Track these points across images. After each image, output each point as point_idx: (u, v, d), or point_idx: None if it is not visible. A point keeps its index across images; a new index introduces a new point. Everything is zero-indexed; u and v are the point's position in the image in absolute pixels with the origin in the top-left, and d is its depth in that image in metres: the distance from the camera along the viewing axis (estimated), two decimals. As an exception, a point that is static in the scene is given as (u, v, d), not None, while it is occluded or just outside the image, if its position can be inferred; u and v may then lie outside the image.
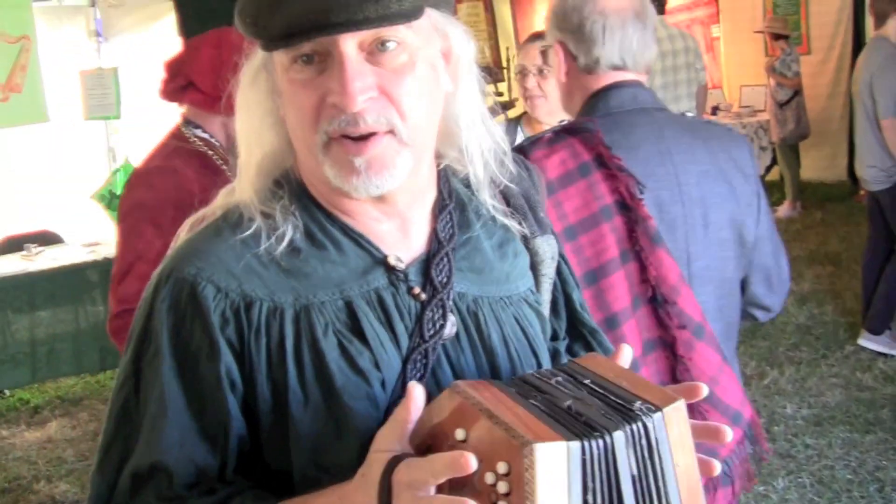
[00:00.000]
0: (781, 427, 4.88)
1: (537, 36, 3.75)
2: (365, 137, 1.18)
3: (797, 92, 9.30)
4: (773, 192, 10.32)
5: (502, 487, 1.01)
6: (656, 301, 1.99)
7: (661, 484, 1.10)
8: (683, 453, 1.12)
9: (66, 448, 5.30)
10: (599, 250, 1.97)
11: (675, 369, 2.01)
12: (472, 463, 0.98)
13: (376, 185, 1.20)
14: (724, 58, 10.76)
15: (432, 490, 1.02)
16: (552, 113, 3.59)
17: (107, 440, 1.26)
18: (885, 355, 5.69)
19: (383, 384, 1.22)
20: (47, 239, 6.46)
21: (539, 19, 8.83)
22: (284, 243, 1.24)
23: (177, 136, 2.84)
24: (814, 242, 8.53)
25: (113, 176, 7.35)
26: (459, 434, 1.05)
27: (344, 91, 1.14)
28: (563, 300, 1.53)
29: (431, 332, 1.27)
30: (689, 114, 7.19)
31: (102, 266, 5.85)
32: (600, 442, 1.04)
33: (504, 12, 8.83)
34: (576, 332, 1.55)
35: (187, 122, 2.85)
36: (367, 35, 1.15)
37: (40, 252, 6.05)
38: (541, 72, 3.59)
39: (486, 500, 1.02)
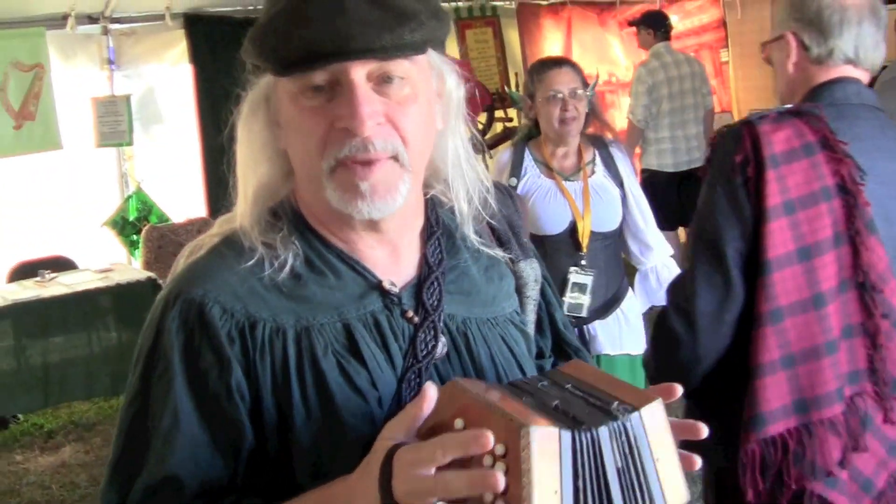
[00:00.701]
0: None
1: (563, 61, 3.84)
2: (370, 162, 1.24)
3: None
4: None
5: (500, 468, 1.05)
6: (864, 287, 2.04)
7: (642, 478, 1.16)
8: (663, 449, 1.19)
9: (79, 473, 5.32)
10: (815, 228, 2.02)
11: (873, 358, 2.05)
12: (491, 439, 1.03)
13: (379, 208, 1.28)
14: (733, 82, 10.77)
15: (433, 471, 1.06)
16: (577, 135, 3.70)
17: (116, 456, 1.31)
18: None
19: (380, 402, 1.29)
20: (60, 265, 6.49)
21: (547, 46, 8.90)
22: (285, 270, 1.31)
23: None
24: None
25: (125, 202, 7.41)
26: (458, 423, 1.11)
27: (355, 115, 1.21)
28: (547, 320, 1.61)
29: (424, 352, 1.34)
30: (695, 140, 7.24)
31: (115, 291, 5.90)
32: (588, 434, 1.10)
33: (513, 38, 8.88)
34: (561, 351, 1.63)
35: None
36: (374, 67, 1.24)
37: (53, 278, 6.08)
38: (574, 94, 3.68)
39: None
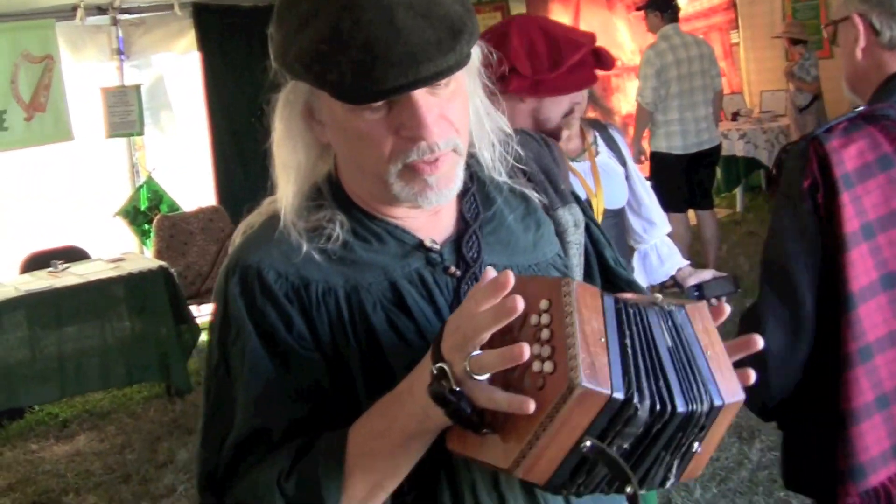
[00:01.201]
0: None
1: None
2: (436, 160, 1.31)
3: (816, 97, 9.27)
4: (795, 197, 10.29)
5: (545, 319, 1.11)
6: None
7: (694, 364, 1.20)
8: (712, 346, 1.24)
9: (93, 461, 5.37)
10: None
11: None
12: (519, 304, 1.08)
13: (445, 195, 1.36)
14: (743, 63, 10.73)
15: (479, 350, 1.12)
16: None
17: (207, 419, 1.39)
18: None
19: None
20: (73, 255, 6.53)
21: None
22: (332, 240, 1.38)
23: None
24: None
25: (136, 192, 7.45)
26: (521, 304, 1.11)
27: (422, 125, 1.27)
28: (595, 259, 1.69)
29: None
30: (704, 122, 7.22)
31: (127, 281, 5.94)
32: (634, 309, 1.16)
33: (521, 23, 8.94)
34: (613, 288, 1.67)
35: None
36: (431, 88, 1.28)
37: (66, 268, 6.12)
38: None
39: (530, 339, 1.11)
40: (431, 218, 1.45)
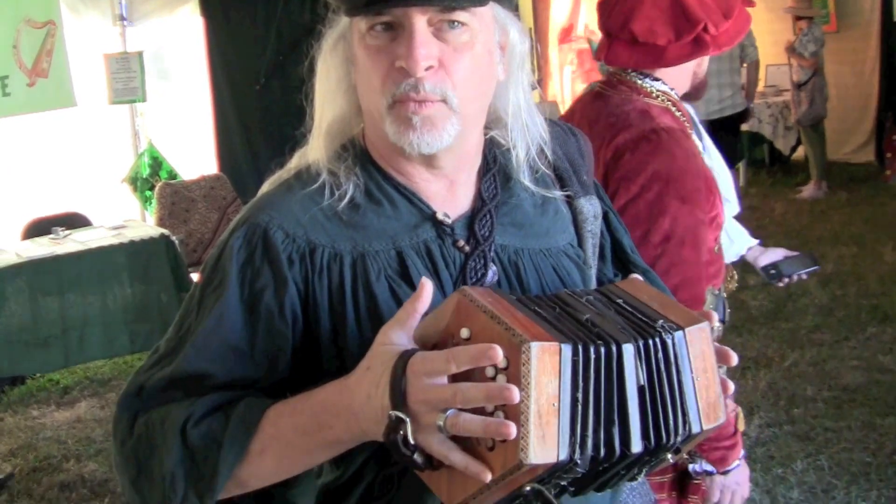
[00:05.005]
0: (801, 409, 4.90)
1: None
2: (422, 101, 1.32)
3: (815, 73, 9.24)
4: (799, 172, 10.27)
5: (501, 379, 1.11)
6: None
7: (677, 396, 1.21)
8: (704, 370, 1.24)
9: (94, 428, 5.40)
10: None
11: None
12: (500, 353, 1.10)
13: (427, 142, 1.34)
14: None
15: (445, 380, 1.13)
16: None
17: (164, 351, 1.41)
18: (906, 337, 5.68)
19: None
20: (74, 221, 6.52)
21: (556, 5, 8.83)
22: (346, 199, 1.40)
23: (635, 89, 2.39)
24: (838, 223, 8.50)
25: (139, 159, 7.44)
26: (464, 333, 1.17)
27: (411, 56, 1.29)
28: (610, 245, 1.69)
29: (474, 280, 1.42)
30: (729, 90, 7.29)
31: (129, 249, 5.93)
32: (602, 349, 1.15)
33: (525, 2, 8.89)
34: (629, 274, 1.68)
35: (643, 74, 2.40)
36: (435, 14, 1.30)
37: (68, 235, 6.12)
38: None
39: None
40: (448, 191, 1.47)
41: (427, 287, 1.21)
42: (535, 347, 1.10)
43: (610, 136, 2.27)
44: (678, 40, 2.30)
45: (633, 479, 1.28)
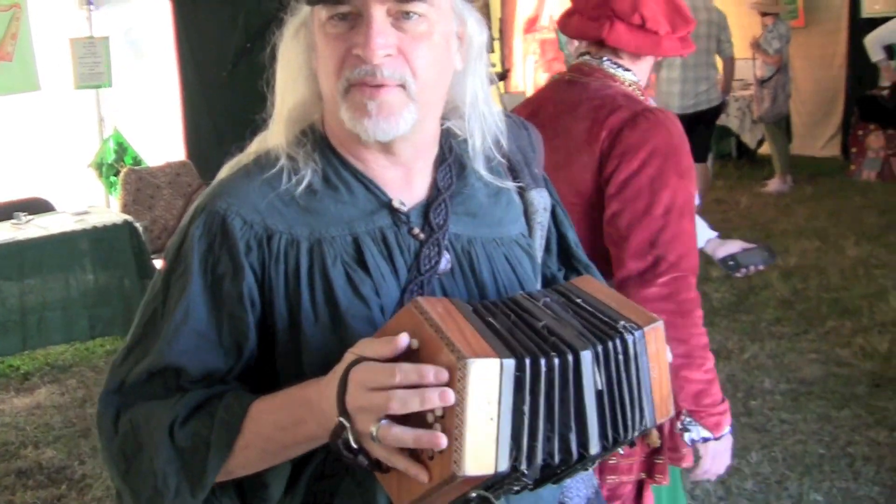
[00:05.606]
0: (759, 401, 4.94)
1: None
2: (379, 86, 1.34)
3: (779, 70, 9.29)
4: (765, 165, 10.35)
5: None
6: None
7: (635, 393, 1.27)
8: (659, 366, 1.31)
9: (53, 414, 5.36)
10: None
11: None
12: (446, 375, 1.14)
13: (383, 129, 1.37)
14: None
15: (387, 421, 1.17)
16: None
17: (132, 341, 1.45)
18: (864, 331, 5.74)
19: (382, 310, 1.40)
20: (37, 207, 6.48)
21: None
22: (303, 185, 1.43)
23: (610, 77, 2.45)
24: (802, 217, 8.58)
25: (104, 145, 7.39)
26: (414, 344, 1.19)
27: (368, 45, 1.32)
28: (556, 238, 1.73)
29: (427, 266, 1.45)
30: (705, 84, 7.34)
31: (92, 235, 5.91)
32: (556, 360, 1.18)
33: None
34: (571, 268, 1.76)
35: (616, 64, 2.46)
36: (393, 4, 1.33)
37: (30, 220, 6.08)
38: None
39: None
40: (405, 179, 1.49)
41: (402, 341, 1.22)
42: (472, 364, 1.12)
43: (602, 117, 2.32)
44: (674, 34, 2.40)
45: (585, 469, 1.31)
